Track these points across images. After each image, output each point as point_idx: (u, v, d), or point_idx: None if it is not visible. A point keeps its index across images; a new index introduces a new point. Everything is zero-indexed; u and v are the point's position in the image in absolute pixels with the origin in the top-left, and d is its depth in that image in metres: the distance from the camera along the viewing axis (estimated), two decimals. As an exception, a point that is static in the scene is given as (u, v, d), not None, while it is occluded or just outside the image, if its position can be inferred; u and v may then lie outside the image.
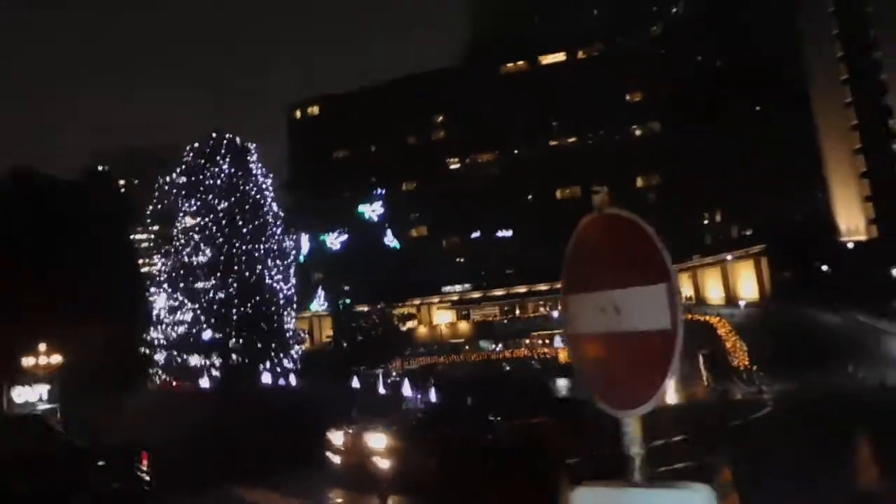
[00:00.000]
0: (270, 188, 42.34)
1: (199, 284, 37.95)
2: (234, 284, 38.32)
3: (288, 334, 41.56)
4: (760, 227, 72.63)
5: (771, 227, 69.03)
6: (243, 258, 38.81)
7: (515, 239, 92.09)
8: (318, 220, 65.09)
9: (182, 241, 38.69)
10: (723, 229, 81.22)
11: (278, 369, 38.78)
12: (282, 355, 40.23)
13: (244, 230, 39.25)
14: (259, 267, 39.18)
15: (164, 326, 37.81)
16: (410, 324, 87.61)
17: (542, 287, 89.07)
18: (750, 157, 69.93)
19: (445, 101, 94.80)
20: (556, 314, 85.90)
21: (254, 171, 41.09)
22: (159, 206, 39.57)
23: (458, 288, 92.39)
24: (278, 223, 42.33)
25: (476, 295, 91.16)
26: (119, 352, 37.92)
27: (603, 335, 3.31)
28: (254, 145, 41.54)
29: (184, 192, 39.48)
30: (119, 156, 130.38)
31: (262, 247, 39.69)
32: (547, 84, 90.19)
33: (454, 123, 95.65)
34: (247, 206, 39.74)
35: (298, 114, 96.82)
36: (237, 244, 39.03)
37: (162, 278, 38.58)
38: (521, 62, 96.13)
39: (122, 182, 72.47)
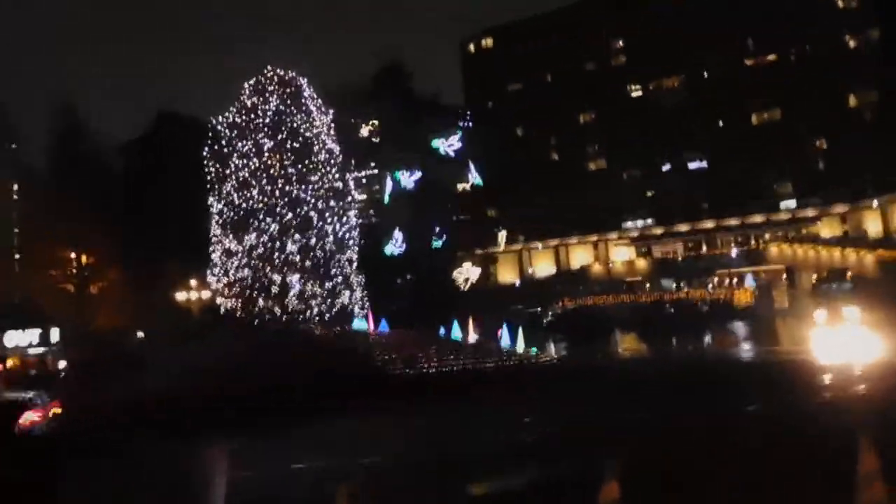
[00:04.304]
0: (329, 125, 40.75)
1: (248, 227, 37.55)
2: (276, 226, 37.42)
3: (337, 279, 39.11)
4: None
5: None
6: (286, 200, 37.81)
7: (705, 170, 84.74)
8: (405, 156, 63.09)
9: (233, 183, 38.42)
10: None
11: (327, 317, 37.77)
12: (330, 301, 38.48)
13: (291, 170, 38.14)
14: (305, 208, 37.92)
15: (218, 270, 38.09)
16: (585, 261, 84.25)
17: (733, 222, 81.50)
18: None
19: (626, 24, 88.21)
20: (738, 251, 78.41)
21: (306, 107, 39.69)
22: (215, 147, 39.39)
23: (638, 223, 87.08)
24: (332, 161, 40.32)
25: (658, 231, 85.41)
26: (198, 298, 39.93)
27: None
28: (305, 80, 40.09)
29: (235, 132, 39.07)
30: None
31: (311, 188, 38.37)
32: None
33: (635, 47, 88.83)
34: (296, 145, 38.53)
35: (472, 47, 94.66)
36: (281, 184, 38.06)
37: (215, 220, 38.60)
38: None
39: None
